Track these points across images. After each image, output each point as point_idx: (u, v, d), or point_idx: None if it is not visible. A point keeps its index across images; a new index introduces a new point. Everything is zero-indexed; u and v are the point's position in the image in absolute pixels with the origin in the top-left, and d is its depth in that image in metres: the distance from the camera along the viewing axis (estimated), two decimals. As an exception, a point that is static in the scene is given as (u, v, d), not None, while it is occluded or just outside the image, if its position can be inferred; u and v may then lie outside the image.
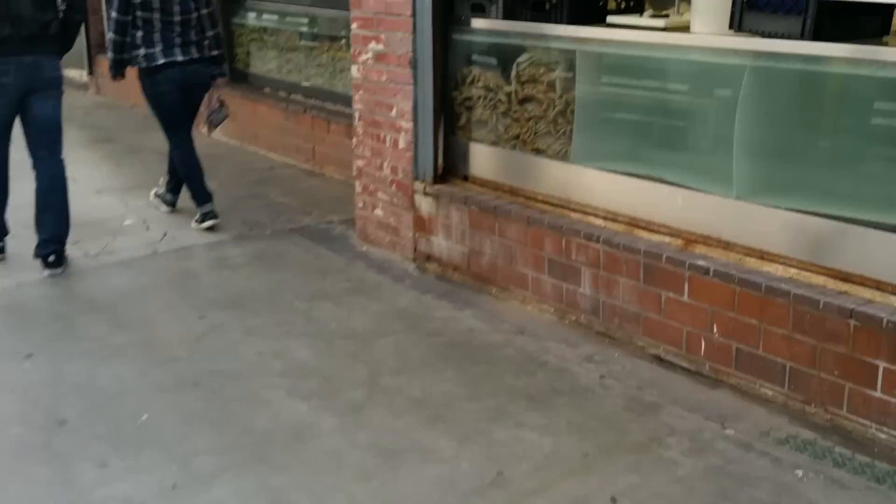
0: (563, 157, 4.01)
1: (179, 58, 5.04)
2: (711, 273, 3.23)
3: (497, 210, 4.10)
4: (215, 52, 5.23)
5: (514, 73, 4.19)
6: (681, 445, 2.92)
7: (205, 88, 5.30)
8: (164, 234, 5.22)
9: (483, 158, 4.38)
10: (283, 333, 3.88)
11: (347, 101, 5.69)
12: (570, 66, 3.93)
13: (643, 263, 3.48)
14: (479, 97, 4.36)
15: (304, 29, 7.21)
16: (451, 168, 4.54)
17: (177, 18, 5.02)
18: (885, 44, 3.08)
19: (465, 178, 4.49)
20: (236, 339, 3.84)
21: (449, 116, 4.52)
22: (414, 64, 4.40)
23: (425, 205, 4.53)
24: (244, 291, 4.37)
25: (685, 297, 3.34)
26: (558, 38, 3.93)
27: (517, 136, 4.23)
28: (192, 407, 3.26)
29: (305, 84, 7.16)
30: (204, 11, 5.13)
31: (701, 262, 3.28)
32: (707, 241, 3.42)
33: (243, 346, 3.76)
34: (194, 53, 5.11)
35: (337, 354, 3.67)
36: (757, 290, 3.10)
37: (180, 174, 5.43)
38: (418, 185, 4.55)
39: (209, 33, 5.17)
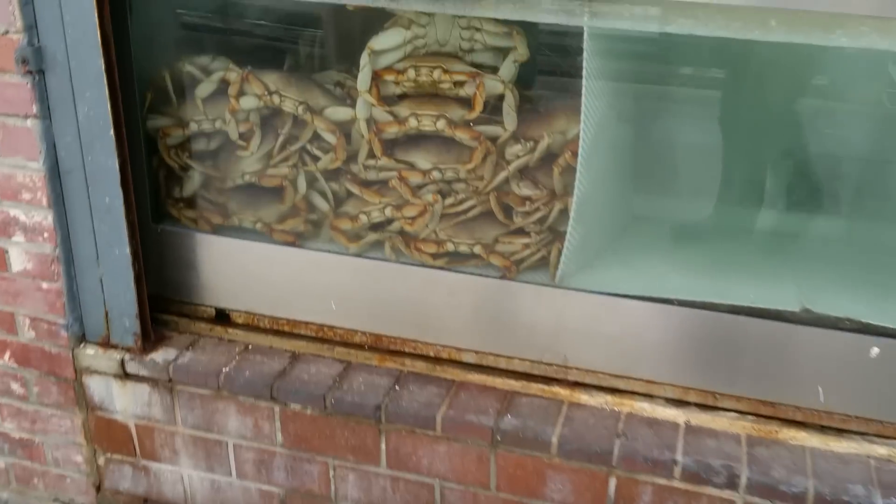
0: (533, 269, 1.71)
1: None
2: None
3: (381, 414, 1.67)
4: None
5: (367, 83, 1.73)
6: None
7: None
8: None
9: (276, 273, 1.82)
10: None
11: None
12: (564, 55, 1.59)
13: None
14: (249, 130, 1.77)
15: None
16: (169, 299, 1.89)
17: None
18: None
19: (225, 318, 1.89)
20: None
21: (152, 177, 1.83)
22: (38, 59, 1.60)
23: (126, 398, 1.84)
24: None
25: None
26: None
27: (382, 223, 1.77)
28: None
29: None
30: None
31: None
32: None
33: None
34: None
35: None
36: None
37: None
38: (94, 357, 1.82)
39: None
